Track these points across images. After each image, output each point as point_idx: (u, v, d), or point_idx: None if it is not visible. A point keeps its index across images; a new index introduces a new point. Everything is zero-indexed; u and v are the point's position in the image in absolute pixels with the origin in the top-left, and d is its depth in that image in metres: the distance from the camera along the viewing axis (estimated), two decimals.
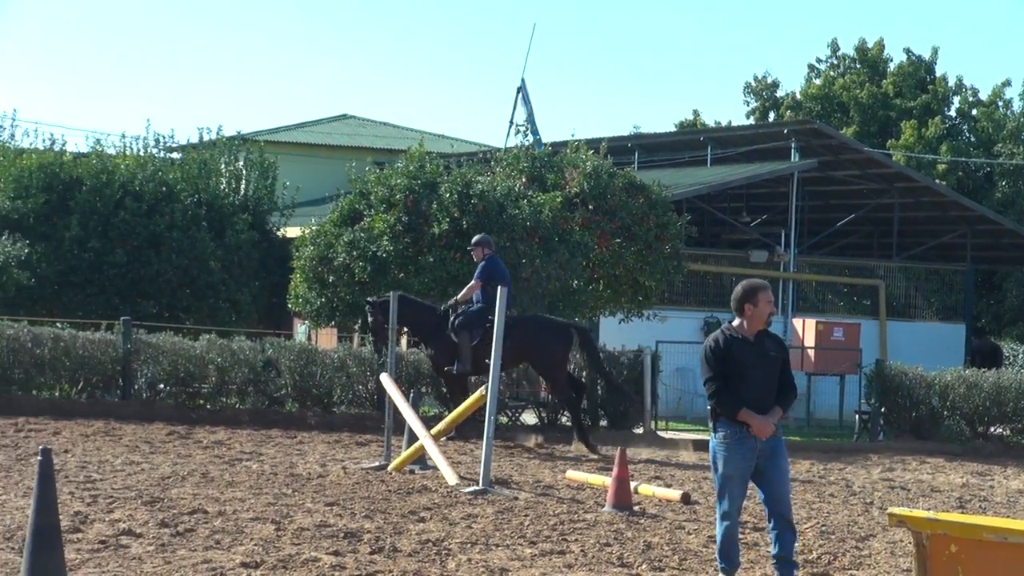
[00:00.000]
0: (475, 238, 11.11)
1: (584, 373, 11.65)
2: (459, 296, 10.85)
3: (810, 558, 5.57)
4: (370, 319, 11.22)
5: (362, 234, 12.66)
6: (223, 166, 18.20)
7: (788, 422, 11.46)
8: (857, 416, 13.63)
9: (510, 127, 19.41)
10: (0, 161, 16.79)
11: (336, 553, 5.03)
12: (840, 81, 30.08)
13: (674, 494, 7.37)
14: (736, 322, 4.64)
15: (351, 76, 70.73)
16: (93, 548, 4.97)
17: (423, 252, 12.55)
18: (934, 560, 3.07)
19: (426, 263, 12.48)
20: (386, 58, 71.86)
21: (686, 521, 6.55)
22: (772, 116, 30.93)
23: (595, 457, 10.06)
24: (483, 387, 8.21)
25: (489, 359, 8.85)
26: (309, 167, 21.30)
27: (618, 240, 13.40)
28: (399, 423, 8.68)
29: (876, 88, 29.39)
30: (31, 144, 18.01)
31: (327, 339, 15.22)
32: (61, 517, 4.28)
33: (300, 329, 16.68)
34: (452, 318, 10.80)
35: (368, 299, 11.25)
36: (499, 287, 8.53)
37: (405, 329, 11.17)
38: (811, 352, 15.08)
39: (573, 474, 8.48)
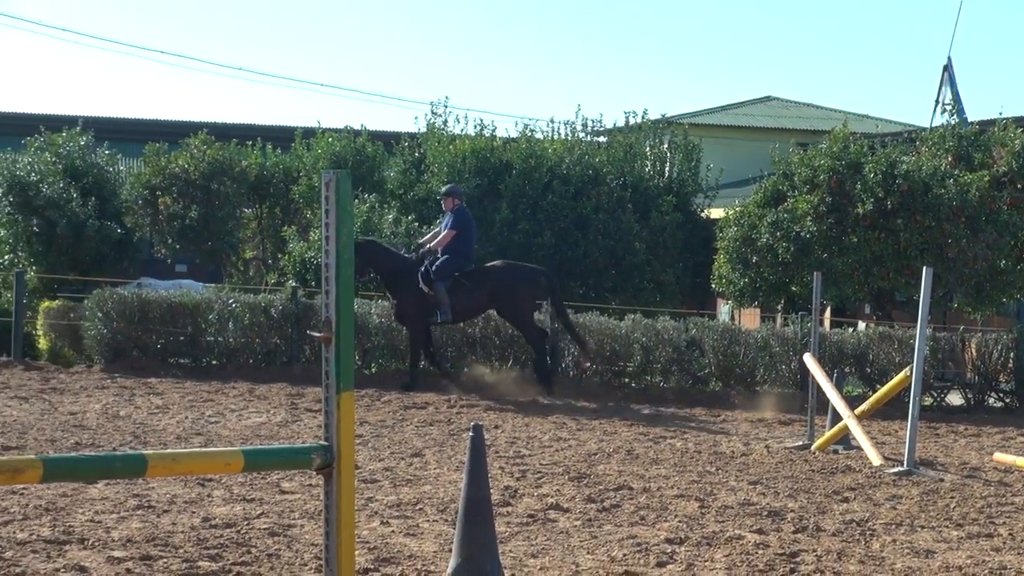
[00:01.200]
0: (444, 188, 11.34)
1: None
2: (432, 244, 10.47)
3: None
4: None
5: (785, 215, 12.64)
6: (648, 149, 18.23)
7: None
8: None
9: (936, 106, 17.93)
10: (435, 147, 17.17)
11: (759, 531, 4.94)
12: None
13: None
14: None
15: (775, 58, 69.74)
16: (522, 521, 4.99)
17: (847, 232, 12.38)
18: None
19: (849, 243, 12.34)
20: (809, 38, 70.00)
21: None
22: None
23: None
24: (908, 367, 7.61)
25: (464, 308, 10.08)
26: (732, 149, 21.06)
27: None
28: (822, 403, 8.41)
29: None
30: (462, 130, 18.08)
31: (750, 319, 15.17)
32: (492, 491, 4.24)
33: (723, 309, 16.65)
34: (424, 268, 10.26)
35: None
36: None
37: (372, 273, 10.94)
38: None
39: (1001, 456, 7.82)
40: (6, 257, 16.01)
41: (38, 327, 12.78)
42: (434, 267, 10.21)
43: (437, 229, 11.04)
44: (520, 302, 10.64)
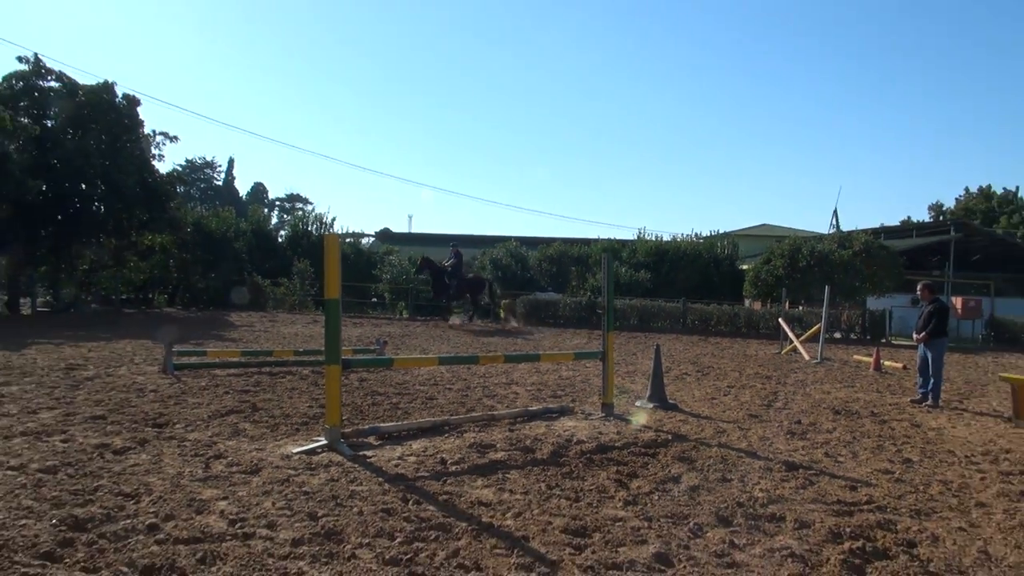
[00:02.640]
0: (451, 245, 25.88)
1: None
2: (446, 264, 24.44)
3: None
4: (426, 271, 25.36)
5: (768, 266, 30.72)
6: (718, 246, 36.50)
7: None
8: (982, 336, 27.52)
9: (831, 219, 35.91)
10: (642, 245, 33.46)
11: (763, 383, 12.30)
12: None
13: None
14: None
15: (766, 195, 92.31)
16: (672, 379, 15.17)
17: (793, 275, 30.34)
18: (1020, 397, 9.94)
19: (795, 278, 30.31)
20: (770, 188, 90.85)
21: None
22: None
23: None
24: (819, 323, 21.36)
25: (456, 293, 25.07)
26: (752, 244, 38.89)
27: None
28: (786, 337, 24.82)
29: None
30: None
31: (757, 306, 33.02)
32: (661, 366, 12.96)
33: (746, 302, 34.29)
34: (446, 273, 24.29)
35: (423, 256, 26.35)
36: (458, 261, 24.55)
37: (426, 273, 25.30)
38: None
39: (857, 356, 16.57)
40: None
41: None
42: (448, 273, 24.46)
43: (448, 259, 24.87)
44: (477, 292, 25.41)
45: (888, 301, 28.42)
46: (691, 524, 5.06)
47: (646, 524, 5.04)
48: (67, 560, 4.09)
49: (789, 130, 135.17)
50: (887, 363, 16.20)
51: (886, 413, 10.04)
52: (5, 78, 26.54)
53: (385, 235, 50.97)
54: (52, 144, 25.78)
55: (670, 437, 7.78)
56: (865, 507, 5.62)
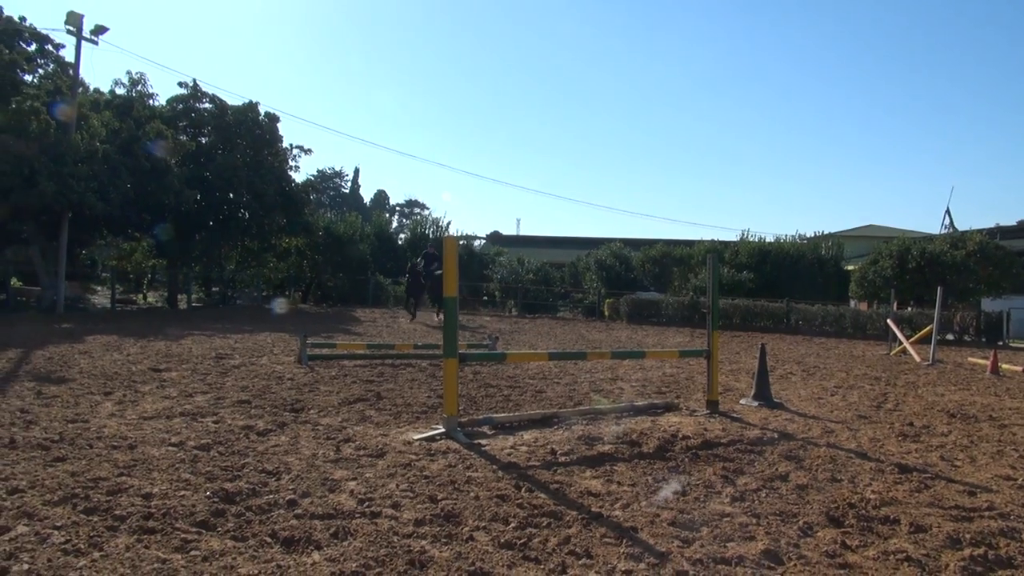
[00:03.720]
0: (430, 245, 23.81)
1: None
2: (417, 263, 22.76)
3: None
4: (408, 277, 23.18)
5: (874, 267, 28.99)
6: (823, 248, 33.58)
7: None
8: None
9: (943, 218, 33.29)
10: (744, 245, 32.04)
11: (872, 384, 10.49)
12: None
13: None
14: None
15: (870, 195, 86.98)
16: (777, 377, 12.57)
17: (902, 275, 28.48)
18: None
19: (904, 279, 28.42)
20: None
21: None
22: None
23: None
24: (931, 325, 21.04)
25: (433, 298, 22.48)
26: (856, 245, 37.02)
27: None
28: (896, 338, 24.58)
29: None
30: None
31: (864, 307, 31.30)
32: (767, 365, 10.61)
33: (852, 302, 32.41)
34: (418, 271, 22.38)
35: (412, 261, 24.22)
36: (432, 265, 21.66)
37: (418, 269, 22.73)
38: None
39: (972, 359, 15.22)
40: None
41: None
42: (422, 270, 22.64)
43: (420, 260, 23.01)
44: (438, 290, 21.56)
45: (1005, 303, 26.23)
46: (800, 523, 4.81)
47: (754, 521, 4.83)
48: (219, 529, 4.32)
49: (897, 129, 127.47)
50: (1005, 366, 15.17)
51: (1006, 418, 9.24)
52: (169, 101, 28.54)
53: (495, 237, 51.54)
54: (205, 159, 27.52)
55: (776, 435, 7.45)
56: (986, 513, 5.18)
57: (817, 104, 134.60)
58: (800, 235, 35.21)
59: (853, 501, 5.29)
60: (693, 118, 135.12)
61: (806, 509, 5.11)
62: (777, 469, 6.11)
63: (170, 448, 6.03)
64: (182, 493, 4.89)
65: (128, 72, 36.61)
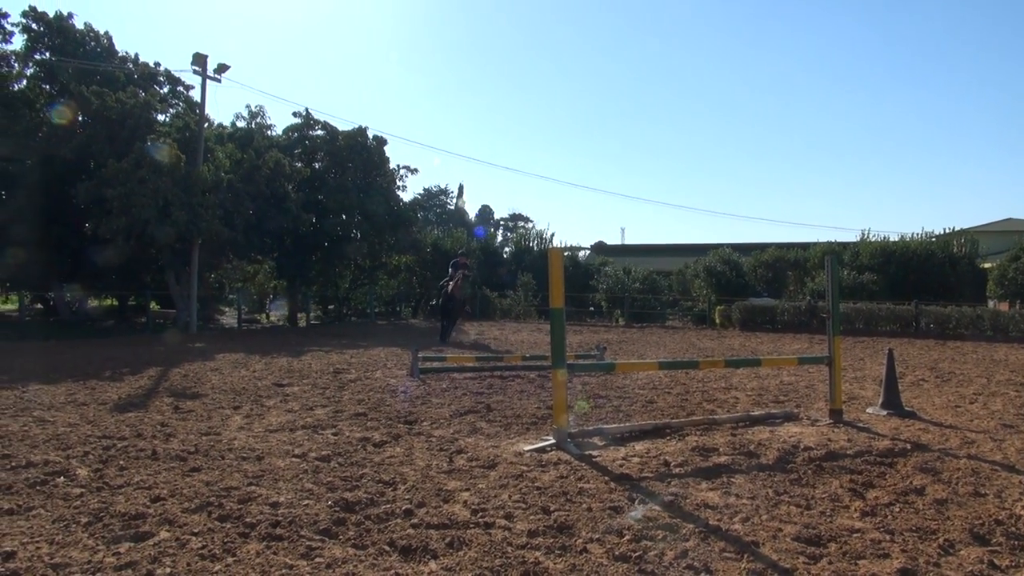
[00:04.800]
0: (460, 254, 22.24)
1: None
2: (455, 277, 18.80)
3: None
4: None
5: (1015, 263, 26.71)
6: (955, 244, 31.17)
7: None
8: None
9: None
10: (865, 246, 29.05)
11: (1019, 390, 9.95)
12: None
13: None
14: None
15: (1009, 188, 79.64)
16: (907, 385, 12.84)
17: None
18: None
19: None
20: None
21: None
22: None
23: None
24: None
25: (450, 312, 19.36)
26: (993, 240, 33.92)
27: None
28: None
29: None
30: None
31: (1003, 307, 28.74)
32: (896, 372, 9.54)
33: (990, 302, 29.69)
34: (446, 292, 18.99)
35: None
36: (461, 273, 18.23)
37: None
38: None
39: None
40: None
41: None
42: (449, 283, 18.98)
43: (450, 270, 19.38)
44: (449, 305, 18.97)
45: None
46: (940, 540, 4.47)
47: (887, 537, 4.53)
48: (340, 537, 4.49)
49: None
50: None
51: None
52: (285, 130, 30.27)
53: (600, 248, 51.24)
54: (319, 183, 28.94)
55: (909, 446, 6.98)
56: None
57: (942, 91, 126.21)
58: (927, 232, 32.96)
59: (1000, 517, 4.87)
60: (805, 112, 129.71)
61: (946, 525, 4.75)
62: (912, 482, 5.72)
63: (294, 459, 6.32)
64: (306, 502, 5.11)
65: (247, 106, 39.10)
